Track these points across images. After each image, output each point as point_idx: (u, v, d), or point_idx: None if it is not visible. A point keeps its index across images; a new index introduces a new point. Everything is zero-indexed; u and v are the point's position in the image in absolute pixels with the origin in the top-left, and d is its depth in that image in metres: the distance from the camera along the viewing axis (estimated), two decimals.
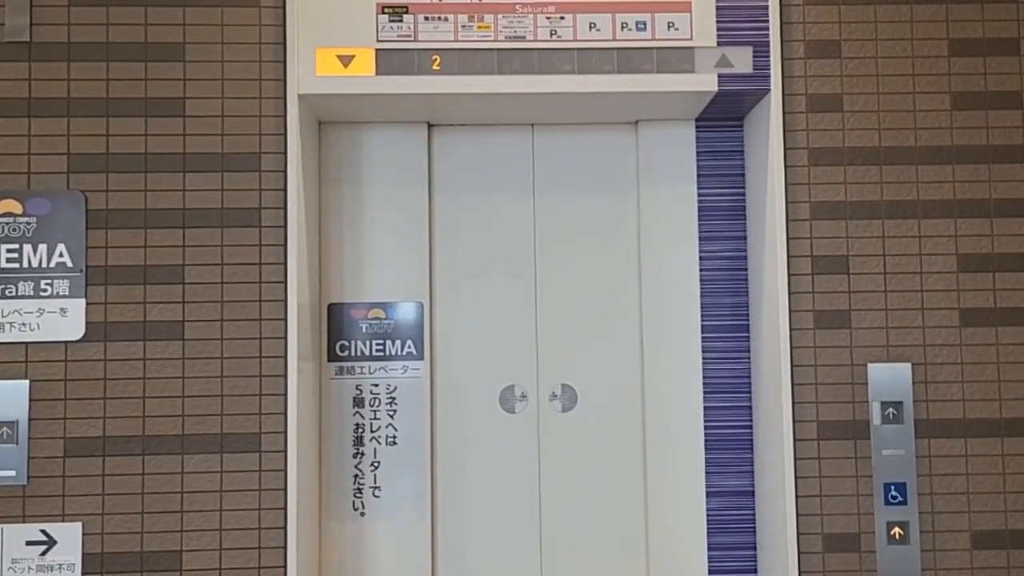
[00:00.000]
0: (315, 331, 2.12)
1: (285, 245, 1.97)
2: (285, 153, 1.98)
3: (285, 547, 1.93)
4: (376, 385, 2.17)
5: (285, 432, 1.94)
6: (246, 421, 1.95)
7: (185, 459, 1.94)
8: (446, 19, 2.01)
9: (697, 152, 2.24)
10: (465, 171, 2.25)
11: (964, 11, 2.08)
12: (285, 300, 1.96)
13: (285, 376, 1.95)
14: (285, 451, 1.94)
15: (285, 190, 1.98)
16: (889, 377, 2.03)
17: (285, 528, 1.93)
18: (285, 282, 1.96)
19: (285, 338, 1.95)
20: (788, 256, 2.03)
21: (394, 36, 2.00)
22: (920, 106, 2.07)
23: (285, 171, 1.98)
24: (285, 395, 1.94)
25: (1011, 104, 2.07)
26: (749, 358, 2.21)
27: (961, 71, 2.07)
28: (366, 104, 2.07)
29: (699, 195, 2.23)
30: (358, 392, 2.17)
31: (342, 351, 2.17)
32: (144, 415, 1.94)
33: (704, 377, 2.21)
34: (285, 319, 1.96)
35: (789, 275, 2.03)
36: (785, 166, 2.03)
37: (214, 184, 1.98)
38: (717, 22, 2.03)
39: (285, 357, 1.95)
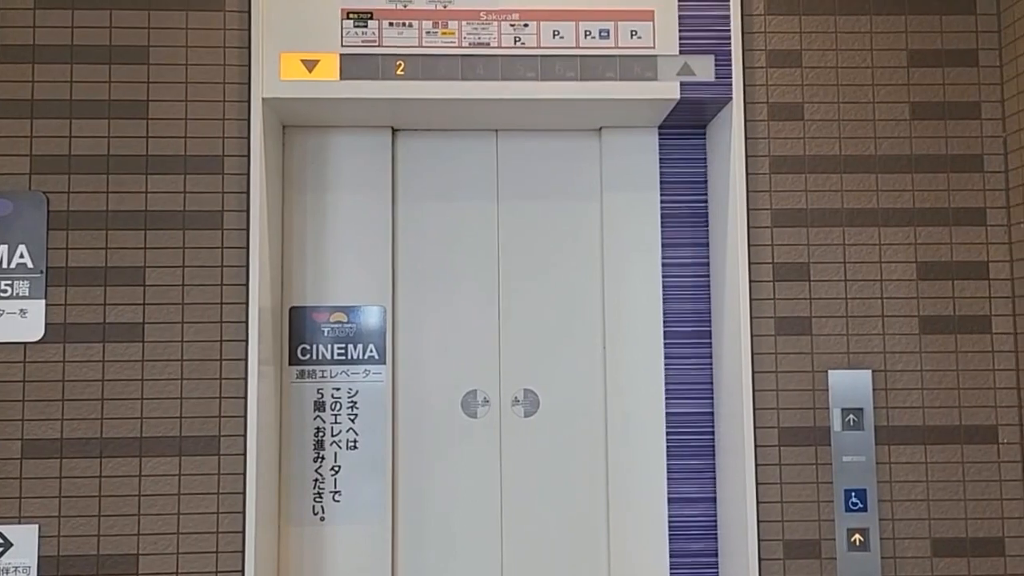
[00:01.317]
0: (276, 334, 2.20)
1: (247, 248, 2.05)
2: (248, 156, 2.06)
3: (243, 551, 2.00)
4: (337, 389, 2.25)
5: (245, 435, 2.02)
6: (205, 424, 2.02)
7: (143, 462, 2.02)
8: (410, 25, 2.10)
9: (660, 159, 2.34)
10: (429, 176, 2.35)
11: (923, 22, 2.19)
12: (246, 303, 2.04)
13: (245, 379, 2.02)
14: (244, 455, 2.01)
15: (248, 193, 2.06)
16: (849, 384, 2.12)
17: (243, 532, 2.01)
18: (247, 285, 2.04)
19: (246, 341, 2.03)
20: (749, 263, 2.12)
21: (358, 41, 2.09)
22: (880, 115, 2.17)
23: (248, 174, 2.06)
24: (245, 398, 2.02)
25: (969, 114, 2.18)
26: (711, 364, 2.30)
27: (920, 81, 2.18)
28: (330, 108, 2.15)
29: (662, 202, 2.33)
30: (319, 396, 2.24)
31: (303, 355, 2.25)
32: (102, 417, 2.02)
33: (666, 383, 2.30)
34: (246, 322, 2.03)
35: (750, 282, 2.12)
36: (746, 173, 2.13)
37: (177, 186, 2.06)
38: (679, 31, 2.13)
39: (246, 360, 2.03)
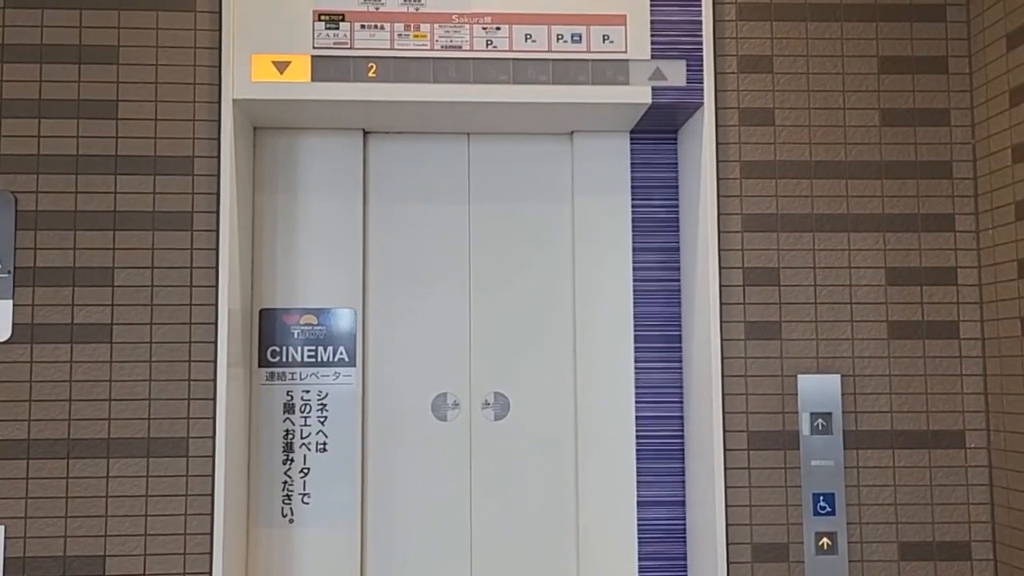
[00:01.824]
0: (246, 336, 2.23)
1: (216, 250, 2.08)
2: (218, 157, 2.09)
3: (211, 553, 2.03)
4: (307, 391, 2.28)
5: (213, 437, 2.04)
6: (173, 425, 2.05)
7: (111, 463, 2.04)
8: (382, 27, 2.14)
9: (632, 164, 2.38)
10: (400, 179, 2.38)
11: (893, 29, 2.23)
12: (215, 305, 2.07)
13: (214, 381, 2.05)
14: (213, 456, 2.04)
15: (218, 194, 2.09)
16: (818, 388, 2.16)
17: (211, 534, 2.03)
18: (216, 286, 2.07)
19: (215, 343, 2.06)
20: (720, 267, 2.16)
21: (330, 43, 2.12)
22: (850, 121, 2.22)
23: (218, 175, 2.09)
24: (214, 400, 2.05)
25: (939, 121, 2.23)
26: (681, 368, 2.34)
27: (890, 88, 2.23)
28: (301, 110, 2.18)
29: (633, 206, 2.37)
30: (289, 398, 2.27)
31: (273, 357, 2.28)
32: (70, 418, 2.04)
33: (636, 387, 2.34)
34: (215, 324, 2.06)
35: (720, 286, 2.16)
36: (717, 178, 2.17)
37: (146, 187, 2.09)
38: (651, 36, 2.17)
39: (214, 362, 2.05)
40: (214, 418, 2.04)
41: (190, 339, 2.07)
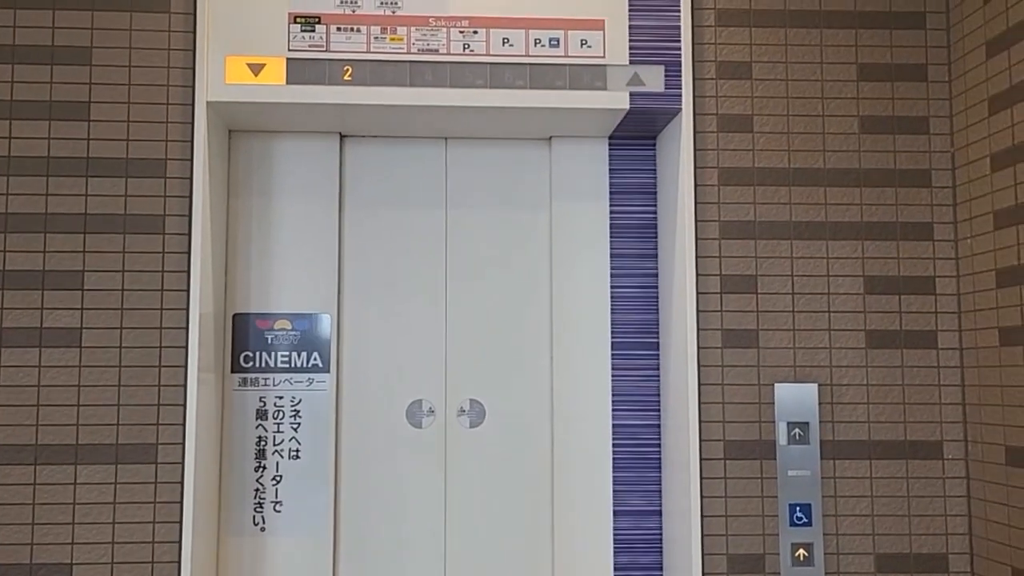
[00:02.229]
0: (218, 341, 2.22)
1: (188, 253, 2.07)
2: (191, 160, 2.09)
3: (179, 562, 2.02)
4: (280, 397, 2.27)
5: (183, 444, 2.03)
6: (143, 432, 2.04)
7: (79, 469, 2.03)
8: (358, 30, 2.14)
9: (610, 169, 2.38)
10: (377, 183, 2.38)
11: (873, 36, 2.24)
12: (187, 309, 2.06)
13: (184, 387, 2.04)
14: (182, 463, 2.03)
15: (190, 198, 2.08)
16: (796, 397, 2.16)
17: (180, 543, 2.02)
18: (187, 291, 2.06)
19: (186, 348, 2.05)
20: (697, 275, 2.17)
21: (305, 45, 2.12)
22: (829, 129, 2.22)
23: (191, 178, 2.08)
24: (184, 406, 2.04)
25: (918, 129, 2.23)
26: (659, 376, 2.34)
27: (869, 95, 2.24)
28: (276, 113, 2.18)
29: (611, 212, 2.37)
30: (261, 404, 2.27)
31: (246, 362, 2.27)
32: (37, 423, 2.03)
33: (613, 394, 2.34)
34: (186, 328, 2.06)
35: (698, 294, 2.16)
36: (695, 185, 2.18)
37: (118, 190, 2.08)
38: (630, 41, 2.17)
39: (185, 367, 2.05)
40: (184, 424, 2.04)
41: (160, 344, 2.06)
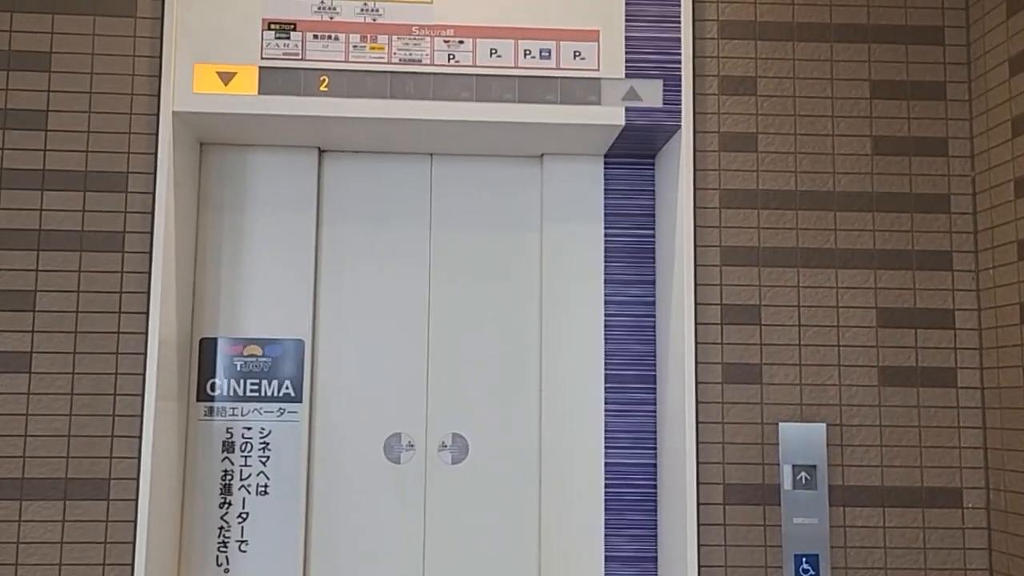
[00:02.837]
0: (182, 368, 2.07)
1: (149, 273, 1.92)
2: (155, 174, 1.94)
3: None
4: (248, 429, 2.11)
5: (137, 479, 1.88)
6: (94, 465, 1.88)
7: (24, 505, 1.87)
8: (337, 38, 1.99)
9: (605, 190, 2.22)
10: (357, 201, 2.23)
11: (887, 52, 2.08)
12: (146, 333, 1.91)
13: (141, 417, 1.89)
14: (136, 500, 1.87)
15: (152, 214, 1.94)
16: (802, 438, 2.00)
17: None
18: (147, 314, 1.91)
19: (143, 375, 1.90)
20: (696, 304, 2.01)
21: (279, 54, 1.98)
22: (839, 149, 2.06)
23: (154, 193, 1.94)
24: (140, 438, 1.88)
25: (935, 151, 2.07)
26: (655, 411, 2.16)
27: (883, 114, 2.07)
28: (249, 125, 2.04)
29: (606, 235, 2.21)
30: (228, 435, 2.10)
31: (213, 390, 2.11)
32: None
33: (606, 430, 2.17)
34: (144, 354, 1.90)
35: (696, 324, 2.00)
36: (694, 207, 2.02)
37: (75, 204, 1.93)
38: (626, 53, 2.02)
39: (142, 396, 1.89)
40: (139, 458, 1.88)
41: (116, 370, 1.90)
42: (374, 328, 2.20)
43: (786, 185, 2.05)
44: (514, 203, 2.25)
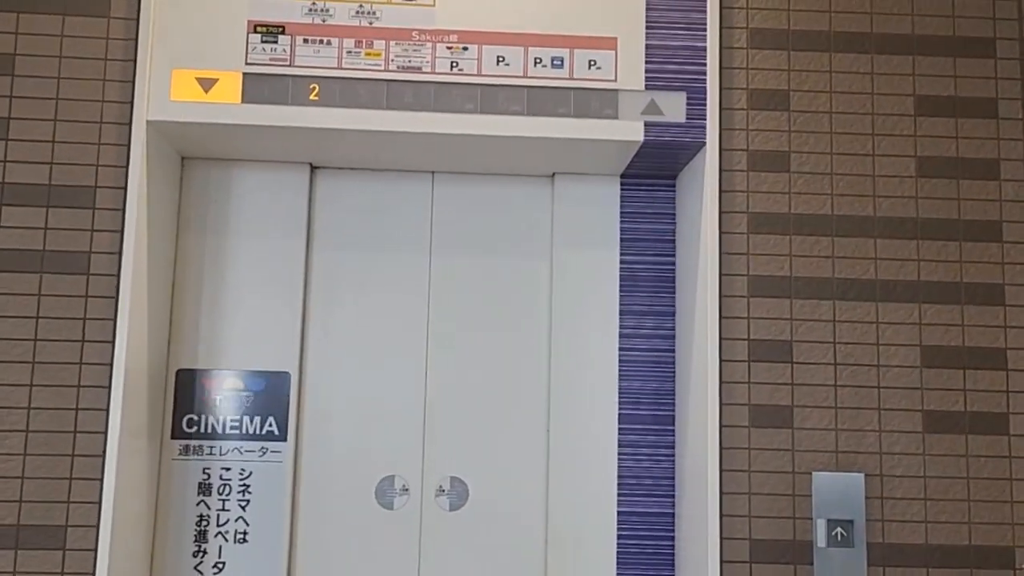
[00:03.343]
0: (155, 402, 1.83)
1: (116, 298, 1.69)
2: (125, 189, 1.71)
3: None
4: (227, 469, 1.87)
5: (97, 526, 1.64)
6: (50, 511, 1.65)
7: None
8: (329, 43, 1.77)
9: (621, 213, 1.99)
10: (352, 222, 1.99)
11: (934, 65, 1.85)
12: (111, 364, 1.67)
13: (103, 457, 1.65)
14: (95, 550, 1.63)
15: (122, 232, 1.70)
16: (838, 489, 1.76)
17: None
18: (112, 342, 1.68)
19: (107, 410, 1.66)
20: (721, 339, 1.77)
21: (266, 59, 1.75)
22: (881, 171, 1.82)
23: (124, 210, 1.71)
24: (101, 480, 1.64)
25: (986, 174, 1.83)
26: (674, 456, 1.91)
27: (929, 133, 1.83)
28: (233, 137, 1.81)
29: (622, 263, 1.97)
30: (205, 476, 1.86)
31: (190, 427, 1.88)
32: None
33: (620, 476, 1.92)
34: (109, 387, 1.66)
35: (721, 361, 1.77)
36: (720, 232, 1.79)
37: (36, 221, 1.71)
38: (646, 63, 1.79)
39: (105, 433, 1.66)
40: (100, 503, 1.64)
41: (77, 405, 1.67)
42: (367, 361, 1.95)
43: (821, 209, 1.81)
44: (522, 227, 2.01)
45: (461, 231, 2.00)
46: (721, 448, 1.74)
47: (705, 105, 1.80)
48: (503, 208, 2.01)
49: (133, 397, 1.71)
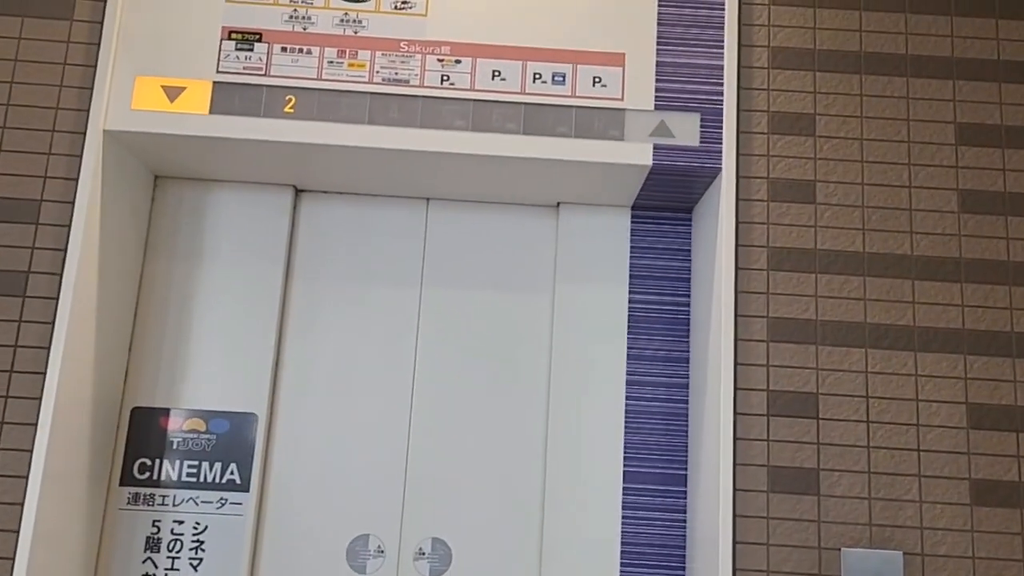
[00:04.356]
0: (101, 443, 1.52)
1: (53, 324, 1.39)
2: (73, 204, 1.43)
3: None
4: (180, 522, 1.55)
5: None
6: None
7: None
8: (309, 52, 1.50)
9: (632, 247, 1.68)
10: (337, 251, 1.69)
11: (977, 90, 1.54)
12: (40, 399, 1.37)
13: (21, 506, 1.33)
14: None
15: (65, 252, 1.42)
16: (872, 569, 1.40)
17: None
18: (44, 374, 1.38)
19: (31, 452, 1.35)
20: (736, 389, 1.44)
21: (239, 67, 1.49)
22: (918, 204, 1.51)
23: (69, 227, 1.42)
24: (17, 533, 1.33)
25: None
26: (685, 522, 1.57)
27: (973, 164, 1.52)
28: (205, 152, 1.54)
29: (631, 300, 1.66)
30: (155, 530, 1.54)
31: (142, 472, 1.56)
32: None
33: (623, 544, 1.57)
34: (36, 424, 1.36)
35: (736, 414, 1.43)
36: (736, 267, 1.47)
37: None
38: (656, 81, 1.51)
39: (26, 479, 1.34)
40: (13, 559, 1.32)
41: None
42: (344, 405, 1.63)
43: (851, 245, 1.49)
44: (523, 260, 1.70)
45: (456, 263, 1.69)
46: (735, 516, 1.40)
47: (721, 128, 1.50)
48: (503, 239, 1.70)
49: (68, 437, 1.40)
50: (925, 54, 1.55)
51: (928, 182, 1.51)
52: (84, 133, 1.45)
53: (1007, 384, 1.46)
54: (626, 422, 1.62)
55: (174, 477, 1.56)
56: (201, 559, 1.53)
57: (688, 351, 1.63)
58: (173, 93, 1.47)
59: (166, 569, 1.53)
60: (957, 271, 1.49)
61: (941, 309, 1.48)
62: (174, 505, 1.55)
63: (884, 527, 1.41)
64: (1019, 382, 1.46)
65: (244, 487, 1.56)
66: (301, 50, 1.50)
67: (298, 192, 1.71)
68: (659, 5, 1.52)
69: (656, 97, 1.50)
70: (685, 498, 1.59)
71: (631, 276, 1.66)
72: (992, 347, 1.46)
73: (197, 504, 1.55)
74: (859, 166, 1.51)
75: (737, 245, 1.48)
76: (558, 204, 1.70)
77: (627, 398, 1.63)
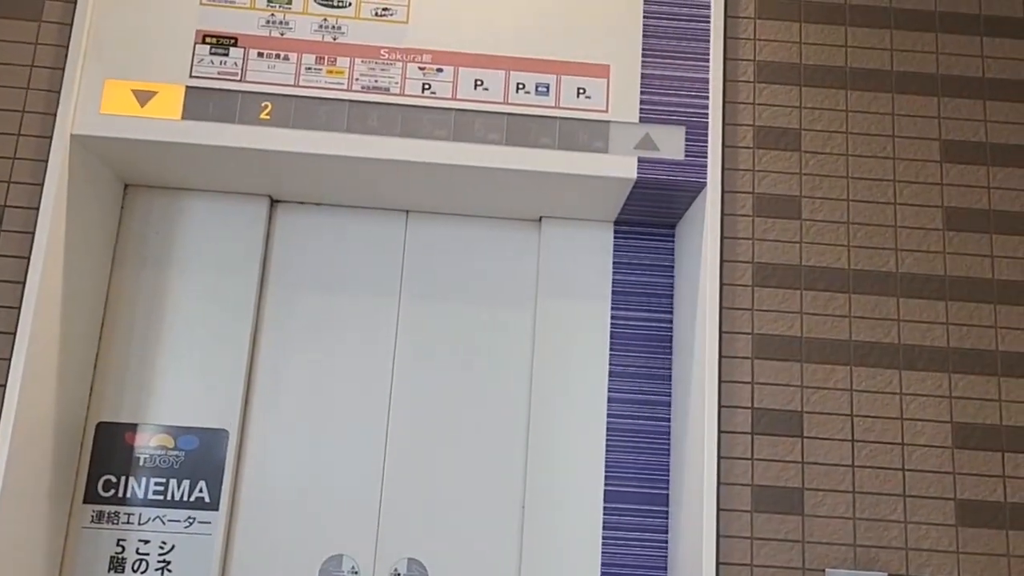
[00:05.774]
0: (63, 459, 1.44)
1: (14, 334, 1.30)
2: (38, 209, 1.35)
3: None
4: (146, 542, 1.46)
5: None
6: None
7: None
8: (287, 58, 1.43)
9: (614, 263, 1.61)
10: (313, 264, 1.62)
11: (962, 108, 1.50)
12: None
13: None
14: None
15: (28, 259, 1.33)
16: None
17: None
18: (3, 387, 1.29)
19: None
20: (720, 406, 1.38)
21: (214, 72, 1.41)
22: (904, 221, 1.46)
23: (33, 233, 1.34)
24: None
25: (1023, 227, 1.46)
26: (667, 543, 1.51)
27: (958, 182, 1.48)
28: (176, 159, 1.47)
29: (613, 317, 1.59)
30: (119, 549, 1.46)
31: (106, 490, 1.48)
32: None
33: (603, 565, 1.51)
34: None
35: (720, 432, 1.38)
36: (720, 283, 1.41)
37: None
38: (641, 93, 1.45)
39: None
40: None
41: None
42: (319, 421, 1.55)
43: (836, 262, 1.44)
44: (504, 274, 1.63)
45: (435, 277, 1.62)
46: (718, 536, 1.34)
47: (706, 142, 1.44)
48: (484, 253, 1.63)
49: (29, 452, 1.32)
50: (911, 71, 1.51)
51: (913, 199, 1.47)
52: (51, 137, 1.37)
53: (992, 403, 1.41)
54: (607, 440, 1.56)
55: (140, 495, 1.48)
56: None
57: (671, 368, 1.57)
58: (144, 97, 1.40)
59: None
60: (942, 289, 1.44)
61: (926, 327, 1.43)
62: (140, 524, 1.46)
63: (869, 548, 1.35)
64: (1004, 401, 1.41)
65: (213, 505, 1.48)
66: (278, 56, 1.43)
67: (273, 202, 1.63)
68: (645, 17, 1.47)
69: (641, 109, 1.45)
70: (667, 518, 1.52)
71: (613, 292, 1.60)
72: (977, 366, 1.42)
73: (164, 523, 1.47)
74: (844, 182, 1.47)
75: (722, 260, 1.42)
76: (540, 218, 1.64)
77: (609, 416, 1.56)
